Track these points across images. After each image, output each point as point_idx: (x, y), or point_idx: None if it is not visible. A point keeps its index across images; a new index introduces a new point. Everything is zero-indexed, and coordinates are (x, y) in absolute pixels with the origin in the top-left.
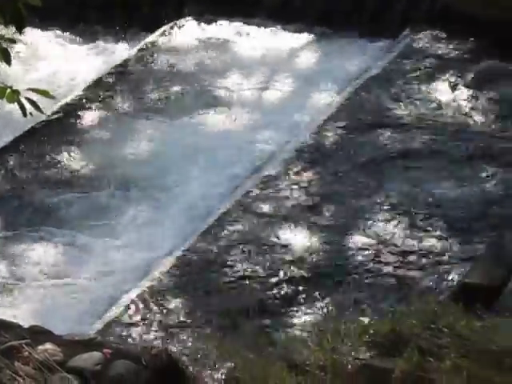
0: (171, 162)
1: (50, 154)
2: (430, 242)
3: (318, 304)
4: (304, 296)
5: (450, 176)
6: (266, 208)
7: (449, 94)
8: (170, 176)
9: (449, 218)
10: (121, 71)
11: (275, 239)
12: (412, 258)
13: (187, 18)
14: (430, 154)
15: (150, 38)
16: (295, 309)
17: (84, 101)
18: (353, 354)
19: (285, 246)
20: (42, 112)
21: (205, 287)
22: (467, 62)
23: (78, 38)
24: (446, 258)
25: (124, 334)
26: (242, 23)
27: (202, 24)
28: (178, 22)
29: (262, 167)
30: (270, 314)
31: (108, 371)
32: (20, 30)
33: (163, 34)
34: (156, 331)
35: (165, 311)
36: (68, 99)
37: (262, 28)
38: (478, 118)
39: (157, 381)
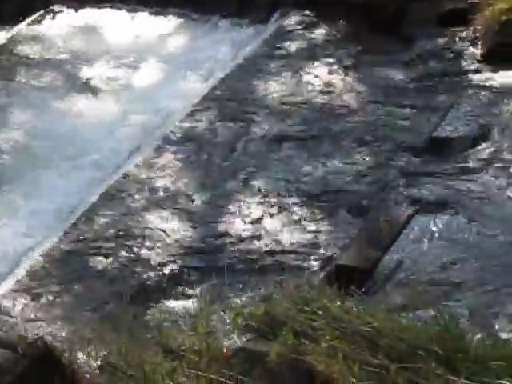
0: (40, 152)
1: None
2: (303, 226)
3: (193, 289)
4: (178, 281)
5: (323, 158)
6: (136, 196)
7: (320, 78)
8: (38, 167)
9: (324, 201)
10: None
11: (147, 227)
12: (285, 241)
13: (56, 6)
14: (302, 138)
15: (19, 26)
16: (170, 294)
17: None
18: (228, 337)
19: (158, 233)
20: None
21: (79, 275)
22: (338, 44)
23: None
24: (319, 240)
25: None
26: (110, 9)
27: (71, 11)
28: (47, 10)
29: (131, 155)
30: (145, 300)
31: None
32: None
33: (32, 22)
34: (31, 320)
35: (39, 300)
36: None
37: (131, 14)
38: (351, 101)
39: (33, 369)
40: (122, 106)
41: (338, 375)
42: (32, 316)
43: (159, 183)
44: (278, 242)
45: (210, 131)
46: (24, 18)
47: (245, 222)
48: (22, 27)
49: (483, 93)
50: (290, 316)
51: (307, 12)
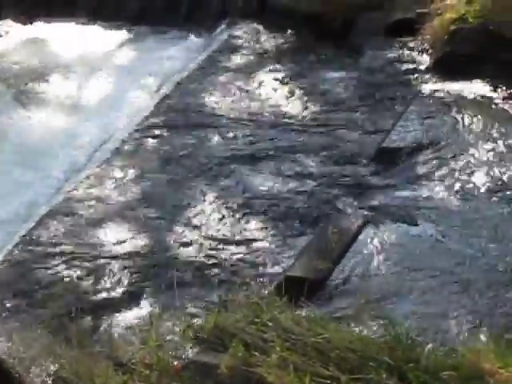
0: None
1: None
2: (254, 238)
3: (143, 302)
4: (129, 294)
5: (273, 171)
6: (86, 209)
7: (268, 89)
8: None
9: (274, 213)
10: None
11: (98, 240)
12: (236, 253)
13: (5, 21)
14: (251, 151)
15: None
16: (121, 307)
17: None
18: (178, 350)
19: (108, 246)
20: None
21: (29, 289)
22: (286, 55)
23: None
24: (270, 252)
25: None
26: (60, 24)
27: (20, 25)
28: None
29: (81, 168)
30: (96, 314)
31: None
32: None
33: None
34: None
35: None
36: None
37: (81, 27)
38: (300, 113)
39: None
40: (72, 120)
41: None
42: None
43: (109, 196)
44: (229, 254)
45: (160, 144)
46: None
47: (195, 235)
48: None
49: (432, 102)
50: (240, 328)
51: (254, 23)
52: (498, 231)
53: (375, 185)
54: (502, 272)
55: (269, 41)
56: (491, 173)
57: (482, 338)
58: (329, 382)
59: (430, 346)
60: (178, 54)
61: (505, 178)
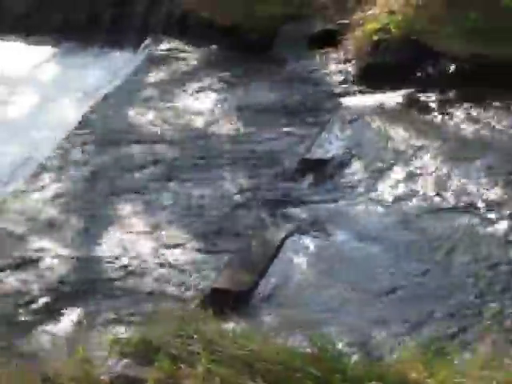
0: None
1: None
2: (179, 250)
3: (70, 317)
4: (55, 309)
5: (197, 184)
6: (12, 224)
7: (192, 103)
8: None
9: (199, 226)
10: None
11: (23, 255)
12: (162, 266)
13: None
14: (175, 164)
15: None
16: (48, 322)
17: None
18: (105, 364)
19: (33, 261)
20: None
21: None
22: (209, 69)
23: None
24: (195, 265)
25: None
26: None
27: None
28: None
29: (7, 184)
30: (21, 328)
31: None
32: None
33: None
34: None
35: None
36: None
37: (2, 42)
38: (224, 126)
39: None
40: None
41: None
42: None
43: (34, 210)
44: (154, 269)
45: (84, 159)
46: None
47: (120, 249)
48: None
49: (355, 113)
50: (166, 341)
51: (177, 38)
52: (421, 241)
53: (298, 196)
54: (426, 283)
55: (192, 55)
56: (413, 184)
57: (409, 348)
58: None
59: (355, 356)
60: (102, 70)
61: (428, 188)
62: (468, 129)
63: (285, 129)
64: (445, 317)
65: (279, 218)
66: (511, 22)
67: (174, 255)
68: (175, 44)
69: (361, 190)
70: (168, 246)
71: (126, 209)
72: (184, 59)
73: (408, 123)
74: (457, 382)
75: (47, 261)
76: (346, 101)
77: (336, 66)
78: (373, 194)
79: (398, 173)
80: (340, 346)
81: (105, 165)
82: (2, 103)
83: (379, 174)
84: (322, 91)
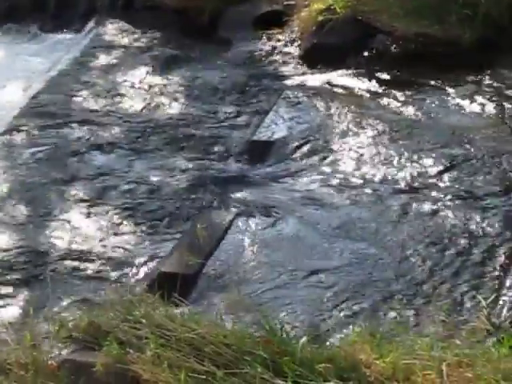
0: None
1: None
2: (126, 234)
3: (17, 302)
4: (2, 293)
5: (144, 168)
6: None
7: (138, 86)
8: None
9: (146, 210)
10: None
11: None
12: (108, 250)
13: None
14: (123, 147)
15: None
16: None
17: None
18: (53, 349)
19: None
20: None
21: None
22: (154, 51)
23: None
24: (142, 248)
25: None
26: None
27: None
28: None
29: None
30: None
31: None
32: None
33: None
34: None
35: None
36: None
37: None
38: (170, 108)
39: None
40: None
41: (165, 383)
42: None
43: None
44: (101, 253)
45: (31, 142)
46: None
47: (66, 234)
48: None
49: (301, 94)
50: (113, 325)
51: (122, 20)
52: (368, 222)
53: (246, 178)
54: (374, 264)
55: (136, 38)
56: (362, 164)
57: (358, 330)
58: (204, 377)
59: (304, 338)
60: (47, 53)
61: (376, 168)
62: (412, 109)
63: (231, 110)
64: (393, 298)
65: (227, 200)
66: (455, 1)
67: (122, 239)
68: (120, 26)
69: (309, 170)
70: (115, 230)
71: (72, 193)
72: (129, 41)
73: (353, 104)
74: (406, 363)
75: None
76: (292, 82)
77: (282, 47)
78: (321, 175)
79: (347, 153)
80: (289, 328)
81: (50, 149)
82: None
83: (327, 154)
84: (268, 72)
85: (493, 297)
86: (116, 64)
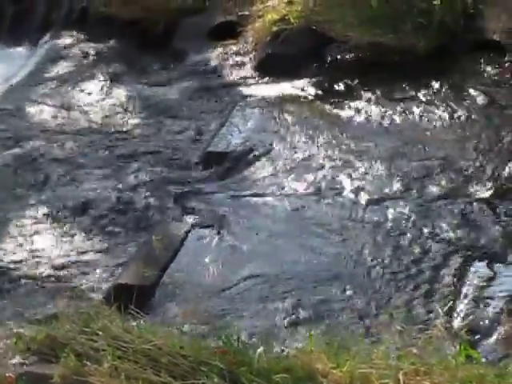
0: None
1: None
2: (82, 246)
3: None
4: None
5: (100, 180)
6: None
7: (93, 98)
8: None
9: (103, 222)
10: None
11: None
12: (65, 262)
13: None
14: (79, 161)
15: None
16: None
17: None
18: (10, 362)
19: None
20: None
21: None
22: (109, 63)
23: None
24: (98, 260)
25: None
26: None
27: None
28: None
29: None
30: None
31: None
32: None
33: None
34: None
35: None
36: None
37: None
38: (126, 121)
39: None
40: None
41: None
42: None
43: None
44: (57, 264)
45: None
46: None
47: (23, 246)
48: None
49: (256, 104)
50: (70, 338)
51: (77, 32)
52: (322, 230)
53: (201, 189)
54: (331, 271)
55: (91, 50)
56: (316, 173)
57: (314, 339)
58: None
59: (261, 348)
60: (2, 66)
61: (331, 177)
62: (366, 117)
63: (186, 122)
64: (349, 306)
65: (183, 211)
66: (410, 9)
67: (78, 251)
68: (75, 38)
69: (263, 182)
70: (71, 242)
71: (26, 206)
72: (83, 54)
73: (308, 113)
74: (363, 372)
75: None
76: (247, 92)
77: (236, 58)
78: (274, 187)
79: (299, 164)
80: (245, 338)
81: (6, 161)
82: None
83: (280, 165)
84: (223, 83)
85: (449, 305)
86: (70, 76)
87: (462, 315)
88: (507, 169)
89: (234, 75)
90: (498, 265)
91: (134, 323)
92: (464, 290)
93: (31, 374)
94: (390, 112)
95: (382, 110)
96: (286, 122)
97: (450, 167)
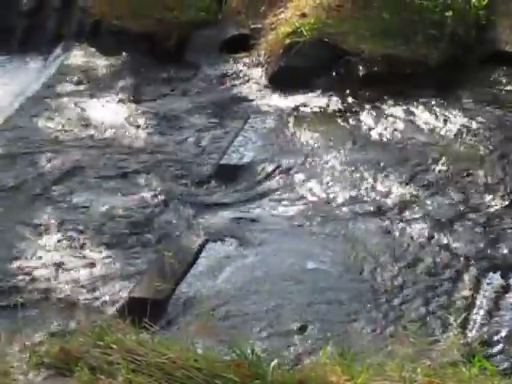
0: None
1: None
2: (96, 260)
3: None
4: None
5: (113, 193)
6: None
7: (105, 112)
8: None
9: (116, 235)
10: None
11: None
12: (78, 276)
13: None
14: (91, 174)
15: None
16: None
17: None
18: (25, 377)
19: None
20: None
21: None
22: (122, 76)
23: None
24: (112, 274)
25: None
26: None
27: None
28: None
29: None
30: None
31: None
32: None
33: None
34: None
35: None
36: None
37: None
38: (138, 134)
39: None
40: None
41: None
42: None
43: None
44: (71, 278)
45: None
46: None
47: (36, 261)
48: None
49: (269, 117)
50: (84, 351)
51: (90, 46)
52: (339, 244)
53: (215, 202)
54: (345, 287)
55: (104, 63)
56: (330, 185)
57: (328, 351)
58: None
59: (275, 361)
60: (15, 79)
61: (344, 189)
62: (380, 129)
63: (199, 135)
64: (363, 320)
65: (197, 224)
66: (422, 21)
67: (92, 265)
68: (87, 52)
69: (277, 195)
70: (85, 256)
71: (38, 220)
72: (96, 67)
73: (321, 126)
74: None
75: None
76: (260, 105)
77: (249, 71)
78: (289, 200)
79: (313, 177)
80: (259, 351)
81: (17, 176)
82: None
83: (294, 178)
84: (235, 96)
85: (463, 316)
86: (82, 90)
87: (476, 327)
88: None
89: (246, 88)
90: None
91: (148, 336)
92: (478, 301)
93: None
94: (404, 124)
95: (395, 121)
96: (299, 135)
97: (465, 179)
